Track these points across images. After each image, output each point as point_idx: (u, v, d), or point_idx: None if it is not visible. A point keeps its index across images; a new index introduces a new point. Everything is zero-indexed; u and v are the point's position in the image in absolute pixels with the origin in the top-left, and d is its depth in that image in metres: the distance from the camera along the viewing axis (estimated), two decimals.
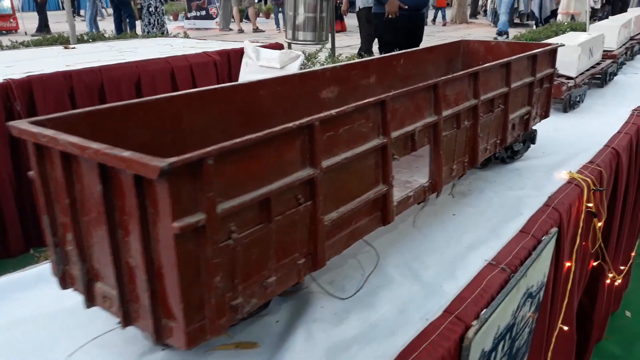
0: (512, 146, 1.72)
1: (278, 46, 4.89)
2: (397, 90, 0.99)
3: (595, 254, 1.87)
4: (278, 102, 1.21)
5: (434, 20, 17.97)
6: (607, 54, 3.24)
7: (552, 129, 2.14)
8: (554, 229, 1.29)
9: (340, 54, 4.88)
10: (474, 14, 18.87)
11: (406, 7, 4.50)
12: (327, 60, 4.89)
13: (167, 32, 12.55)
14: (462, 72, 1.22)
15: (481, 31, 13.00)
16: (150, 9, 11.76)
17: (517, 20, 14.88)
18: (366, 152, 0.92)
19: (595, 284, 2.02)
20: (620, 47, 3.50)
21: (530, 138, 1.81)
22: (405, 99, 1.03)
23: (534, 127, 1.81)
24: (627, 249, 2.49)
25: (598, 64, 2.98)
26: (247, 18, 15.22)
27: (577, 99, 2.49)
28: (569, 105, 2.41)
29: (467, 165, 1.32)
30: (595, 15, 14.34)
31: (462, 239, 1.23)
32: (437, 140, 1.14)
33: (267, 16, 17.21)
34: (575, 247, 1.56)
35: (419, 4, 4.65)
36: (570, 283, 1.57)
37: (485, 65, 1.31)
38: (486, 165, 1.72)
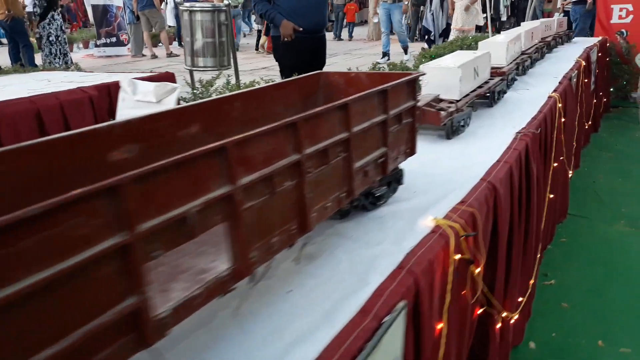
0: (373, 192, 1.51)
1: (169, 75, 4.58)
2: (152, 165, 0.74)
3: (479, 300, 1.69)
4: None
5: (350, 37, 18.16)
6: (496, 71, 3.17)
7: (429, 161, 1.97)
8: (401, 304, 1.07)
9: (255, 80, 4.61)
10: None
11: (301, 29, 4.32)
12: (226, 87, 4.64)
13: (71, 62, 11.92)
14: (274, 125, 0.99)
15: (397, 46, 13.16)
16: (51, 38, 11.11)
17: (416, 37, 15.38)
18: (94, 258, 0.66)
19: (486, 330, 1.85)
20: (511, 63, 3.45)
21: (395, 179, 1.62)
22: (172, 172, 0.78)
23: (400, 166, 1.62)
24: (525, 278, 2.36)
25: (486, 82, 2.88)
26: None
27: (461, 124, 2.35)
28: (452, 131, 2.26)
29: (295, 234, 1.08)
30: (503, 27, 14.92)
31: (287, 332, 0.99)
32: (236, 215, 0.90)
33: (182, 40, 16.72)
34: (446, 306, 1.37)
35: (316, 26, 4.49)
36: (443, 347, 1.37)
37: (309, 112, 1.09)
38: (346, 215, 1.50)
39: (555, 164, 2.89)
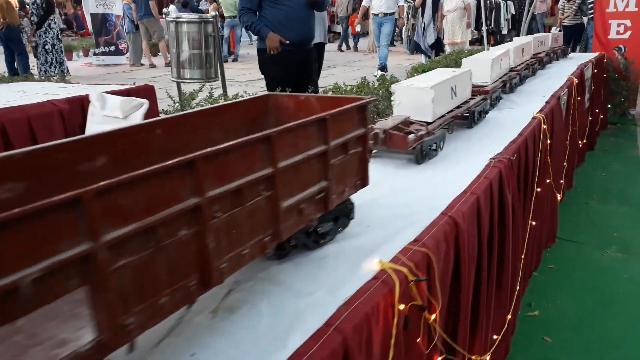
0: (316, 229, 1.36)
1: (148, 88, 4.46)
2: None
3: (438, 348, 1.53)
4: None
5: (355, 48, 18.13)
6: (479, 90, 3.03)
7: (392, 190, 1.83)
8: None
9: (245, 92, 4.46)
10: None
11: (287, 42, 4.19)
12: (208, 100, 4.51)
13: (67, 71, 11.86)
14: (160, 166, 0.84)
15: (396, 59, 13.07)
16: (47, 47, 11.06)
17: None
18: None
19: None
20: (496, 81, 3.31)
21: (344, 213, 1.47)
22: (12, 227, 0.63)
23: (353, 198, 1.47)
24: (500, 314, 2.19)
25: (466, 102, 2.73)
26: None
27: (433, 147, 2.20)
28: (422, 156, 2.11)
29: (195, 291, 0.93)
30: (504, 40, 14.78)
31: None
32: (99, 278, 0.75)
33: None
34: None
35: (303, 39, 4.36)
36: None
37: (213, 149, 0.94)
38: (285, 255, 1.35)
39: (539, 189, 2.73)
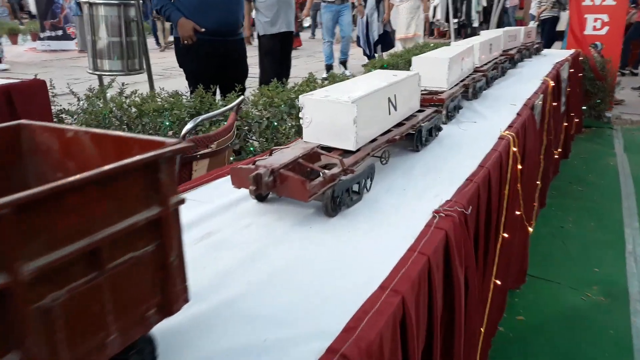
0: None
1: (38, 83, 3.64)
2: None
3: None
4: None
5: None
6: (432, 98, 2.34)
7: (285, 266, 1.12)
8: None
9: (179, 91, 3.66)
10: None
11: (203, 30, 3.44)
12: (115, 100, 3.73)
13: (1, 55, 10.81)
14: None
15: (355, 54, 12.35)
16: None
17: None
18: None
19: None
20: (455, 86, 2.63)
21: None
22: None
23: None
24: None
25: (413, 116, 2.04)
26: None
27: (354, 190, 1.50)
28: (333, 207, 1.41)
29: None
30: (475, 33, 14.19)
31: None
32: None
33: None
34: None
35: (223, 27, 3.61)
36: None
37: None
38: None
39: (507, 234, 2.07)
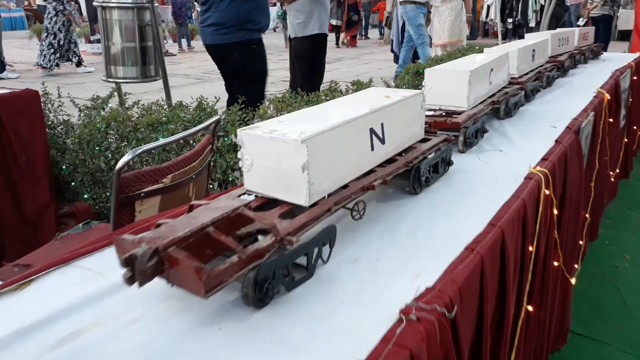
0: None
1: (31, 94, 3.36)
2: None
3: None
4: None
5: (380, 37, 17.10)
6: (446, 122, 1.88)
7: None
8: None
9: (206, 99, 3.34)
10: None
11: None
12: (120, 110, 3.45)
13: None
14: None
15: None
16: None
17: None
18: None
19: None
20: (479, 104, 2.14)
21: None
22: None
23: None
24: None
25: (412, 148, 1.60)
26: None
27: (283, 274, 1.08)
28: (257, 295, 0.99)
29: None
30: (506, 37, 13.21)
31: None
32: None
33: (174, 39, 15.75)
34: None
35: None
36: None
37: None
38: None
39: (532, 307, 1.58)
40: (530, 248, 1.57)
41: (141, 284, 0.88)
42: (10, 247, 3.05)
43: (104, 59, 4.63)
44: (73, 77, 9.88)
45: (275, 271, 1.01)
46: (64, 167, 3.31)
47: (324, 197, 1.21)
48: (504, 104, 2.36)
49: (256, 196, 1.22)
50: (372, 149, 1.38)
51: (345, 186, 1.29)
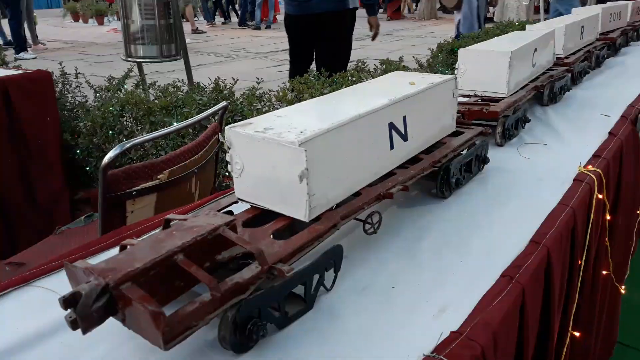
0: None
1: (42, 76, 3.23)
2: None
3: None
4: None
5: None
6: (482, 111, 1.64)
7: None
8: None
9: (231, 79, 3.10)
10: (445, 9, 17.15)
11: None
12: (137, 91, 3.30)
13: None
14: None
15: (448, 29, 11.28)
16: None
17: None
18: None
19: None
20: (519, 90, 1.88)
21: None
22: None
23: None
24: None
25: (434, 147, 1.37)
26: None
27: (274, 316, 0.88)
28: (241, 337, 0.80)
29: None
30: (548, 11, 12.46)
31: None
32: None
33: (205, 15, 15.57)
34: None
35: None
36: None
37: None
38: None
39: (578, 333, 1.35)
40: (579, 262, 1.34)
41: (85, 331, 0.70)
42: (24, 236, 2.95)
43: (123, 38, 4.48)
44: (102, 57, 9.82)
45: (262, 308, 0.81)
46: (77, 151, 3.18)
47: (330, 208, 1.00)
48: (549, 89, 2.09)
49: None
50: (392, 147, 1.16)
51: (357, 194, 1.08)
